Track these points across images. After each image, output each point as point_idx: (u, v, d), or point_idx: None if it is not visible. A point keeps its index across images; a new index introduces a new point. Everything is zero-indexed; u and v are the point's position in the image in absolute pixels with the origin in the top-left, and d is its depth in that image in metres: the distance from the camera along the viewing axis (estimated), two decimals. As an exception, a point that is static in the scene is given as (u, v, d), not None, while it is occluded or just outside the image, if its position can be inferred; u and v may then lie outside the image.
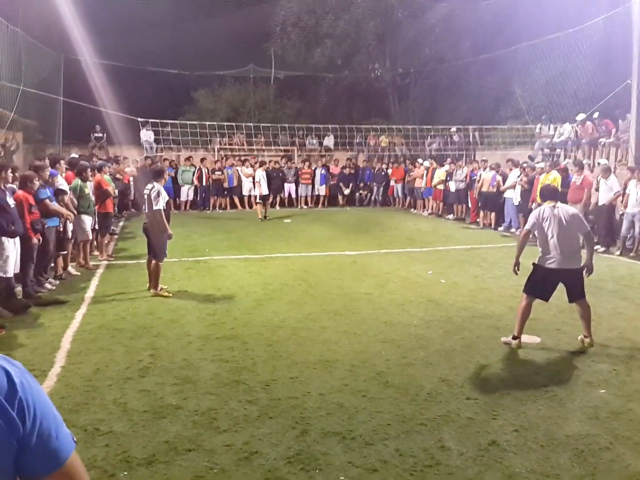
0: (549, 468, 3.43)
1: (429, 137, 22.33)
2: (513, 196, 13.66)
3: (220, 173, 18.59)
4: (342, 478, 3.33)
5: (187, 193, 18.46)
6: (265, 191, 16.22)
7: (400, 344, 5.62)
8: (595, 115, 15.73)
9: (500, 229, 14.29)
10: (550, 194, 5.93)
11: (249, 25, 23.37)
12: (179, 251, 10.50)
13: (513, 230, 13.80)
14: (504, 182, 14.19)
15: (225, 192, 18.89)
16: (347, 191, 20.14)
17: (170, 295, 7.47)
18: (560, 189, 11.72)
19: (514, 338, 5.59)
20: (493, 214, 14.78)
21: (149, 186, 7.48)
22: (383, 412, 4.15)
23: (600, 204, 11.46)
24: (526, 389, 4.58)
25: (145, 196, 7.48)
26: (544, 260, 5.65)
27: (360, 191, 20.71)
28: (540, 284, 5.68)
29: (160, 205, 7.34)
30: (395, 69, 27.18)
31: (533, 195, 12.64)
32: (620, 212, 11.15)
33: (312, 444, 3.71)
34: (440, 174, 16.79)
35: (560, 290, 7.81)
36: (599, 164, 12.38)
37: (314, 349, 5.46)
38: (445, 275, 8.77)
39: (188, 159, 18.83)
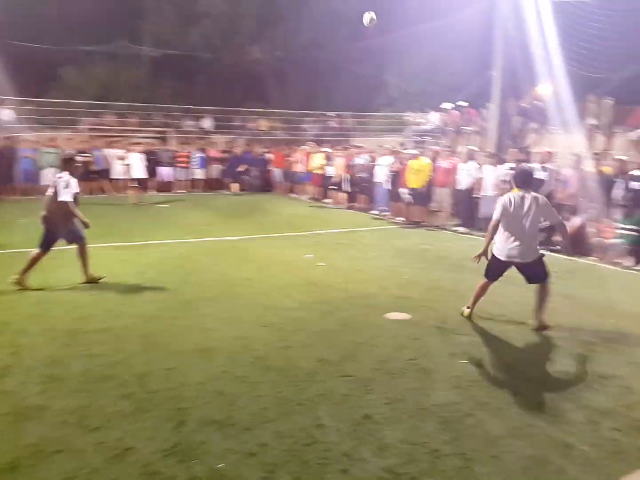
0: (418, 437, 3.66)
1: (307, 122, 22.60)
2: (383, 180, 14.24)
3: (87, 155, 17.44)
4: (221, 465, 3.33)
5: (49, 177, 17.14)
6: (141, 174, 15.56)
7: (280, 327, 5.69)
8: (462, 104, 16.81)
9: (374, 212, 14.87)
10: (525, 180, 5.80)
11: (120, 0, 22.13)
12: (43, 240, 9.77)
13: (386, 213, 14.41)
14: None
15: (94, 176, 17.78)
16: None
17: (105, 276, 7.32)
18: (431, 174, 12.56)
19: (468, 307, 6.03)
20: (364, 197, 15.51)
21: (58, 175, 7.01)
22: (263, 396, 4.19)
23: (459, 188, 12.29)
24: (397, 363, 4.84)
25: (53, 185, 6.98)
26: (501, 251, 5.72)
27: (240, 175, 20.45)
28: (492, 270, 5.88)
29: (67, 197, 6.84)
30: (274, 52, 27.13)
31: (402, 180, 13.28)
32: (478, 195, 12.02)
33: (189, 434, 3.66)
34: (318, 158, 17.08)
35: (423, 269, 8.34)
36: (468, 148, 13.24)
37: (192, 338, 5.36)
38: (324, 258, 8.97)
39: (52, 139, 17.47)
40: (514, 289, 7.33)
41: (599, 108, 12.57)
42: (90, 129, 19.86)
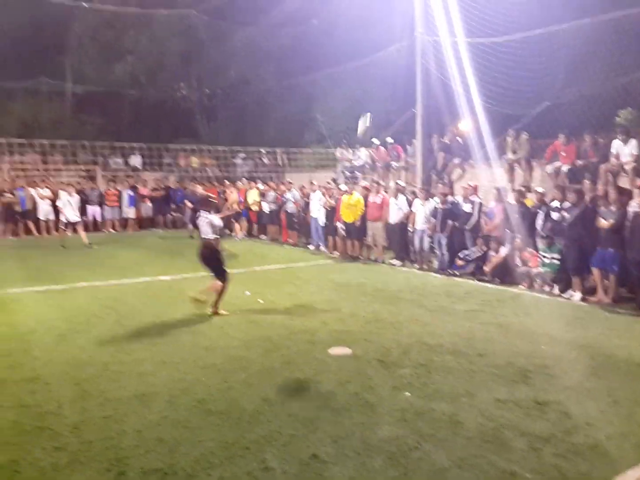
0: (365, 473, 3.64)
1: (239, 159, 22.65)
2: (318, 216, 14.41)
3: (10, 195, 16.70)
4: (166, 516, 3.18)
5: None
6: (74, 217, 14.86)
7: (220, 368, 5.57)
8: (389, 140, 17.37)
9: (311, 247, 14.97)
10: None
11: (40, 36, 21.57)
12: (-39, 286, 9.23)
13: (322, 248, 14.53)
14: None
15: (18, 217, 17.01)
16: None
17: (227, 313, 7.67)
18: (363, 208, 12.83)
19: None
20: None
21: (203, 214, 7.81)
22: (205, 441, 4.06)
23: (391, 222, 12.61)
24: (341, 399, 4.82)
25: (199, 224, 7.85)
26: None
27: (172, 213, 20.19)
28: None
29: (212, 234, 7.64)
30: (202, 90, 27.23)
31: (337, 215, 13.48)
32: (410, 229, 12.37)
33: (130, 485, 3.49)
34: (253, 195, 17.11)
35: (362, 302, 8.47)
36: (396, 184, 13.63)
37: (128, 384, 5.15)
38: (262, 295, 8.91)
39: (-30, 180, 16.64)
40: (449, 319, 7.57)
41: (517, 143, 13.32)
42: (12, 169, 19.04)
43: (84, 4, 22.05)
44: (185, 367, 5.61)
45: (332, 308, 8.10)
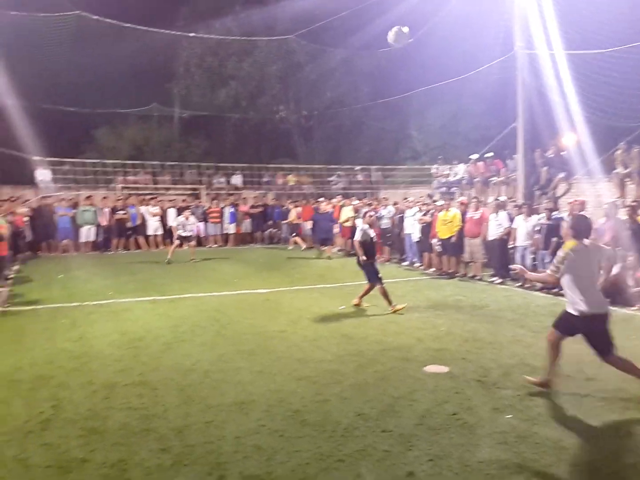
0: (464, 495, 3.52)
1: (334, 176, 23.00)
2: (412, 232, 14.23)
3: (123, 212, 17.98)
4: (263, 522, 3.24)
5: (87, 234, 17.64)
6: (186, 233, 15.55)
7: (315, 381, 5.62)
8: (488, 155, 16.92)
9: (405, 263, 14.81)
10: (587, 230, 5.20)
11: (151, 65, 23.21)
12: (79, 295, 10.00)
13: (417, 264, 14.33)
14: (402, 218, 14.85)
15: (129, 232, 18.26)
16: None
17: (405, 306, 8.90)
18: (460, 224, 12.53)
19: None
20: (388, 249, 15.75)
21: (362, 225, 9.25)
22: (301, 451, 4.10)
23: (490, 238, 12.19)
24: (438, 418, 4.70)
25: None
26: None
27: (270, 229, 20.85)
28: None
29: (357, 237, 9.10)
30: (300, 111, 27.99)
31: (433, 232, 13.24)
32: (511, 246, 11.89)
33: (230, 489, 3.59)
34: (347, 211, 17.25)
35: (458, 320, 8.23)
36: (496, 199, 13.21)
37: (228, 391, 5.32)
38: (355, 311, 8.93)
39: (88, 198, 18.09)
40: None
41: (628, 156, 12.51)
42: (125, 188, 20.53)
43: (191, 33, 23.45)
44: (281, 378, 5.72)
45: (428, 325, 7.94)
